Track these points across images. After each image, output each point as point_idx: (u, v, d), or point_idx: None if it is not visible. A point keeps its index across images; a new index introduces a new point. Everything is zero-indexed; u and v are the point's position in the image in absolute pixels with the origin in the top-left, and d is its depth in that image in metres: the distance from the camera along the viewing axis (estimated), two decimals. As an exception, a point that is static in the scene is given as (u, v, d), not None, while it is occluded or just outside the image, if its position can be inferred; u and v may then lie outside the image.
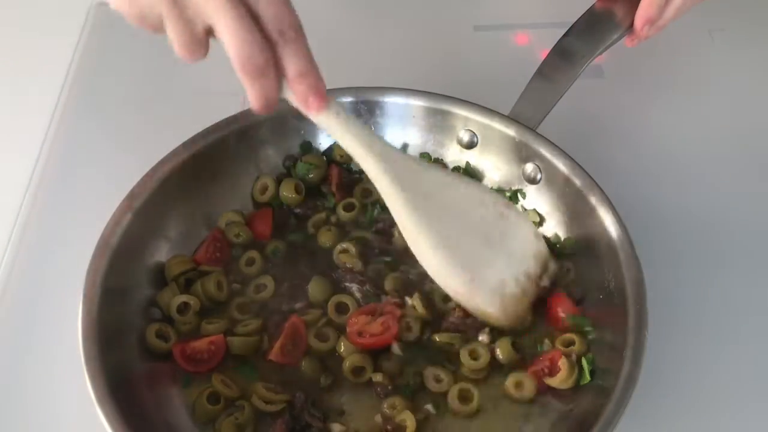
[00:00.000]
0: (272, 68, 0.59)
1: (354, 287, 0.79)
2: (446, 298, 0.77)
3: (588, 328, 0.75)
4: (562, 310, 0.78)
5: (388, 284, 0.79)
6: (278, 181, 0.87)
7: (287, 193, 0.85)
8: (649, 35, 0.81)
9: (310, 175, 0.86)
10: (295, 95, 0.62)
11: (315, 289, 0.79)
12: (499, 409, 0.73)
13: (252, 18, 0.57)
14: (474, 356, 0.75)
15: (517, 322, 0.76)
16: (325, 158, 0.88)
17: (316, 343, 0.75)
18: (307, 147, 0.88)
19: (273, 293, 0.79)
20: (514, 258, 0.75)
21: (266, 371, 0.75)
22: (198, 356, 0.74)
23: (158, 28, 0.60)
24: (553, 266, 0.79)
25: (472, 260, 0.73)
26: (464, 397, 0.73)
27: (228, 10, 0.56)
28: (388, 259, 0.82)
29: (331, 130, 0.67)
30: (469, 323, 0.76)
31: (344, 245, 0.82)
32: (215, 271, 0.80)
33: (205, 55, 0.61)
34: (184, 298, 0.77)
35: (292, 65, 0.60)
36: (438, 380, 0.74)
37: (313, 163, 0.87)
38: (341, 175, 0.87)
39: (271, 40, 0.59)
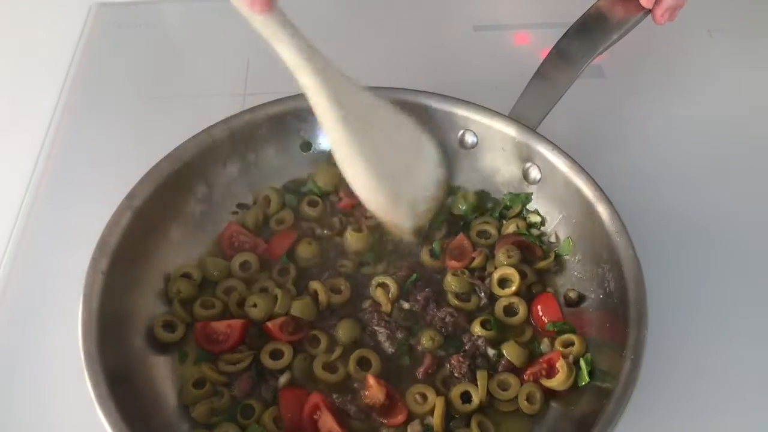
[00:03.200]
0: None
1: (383, 333, 0.78)
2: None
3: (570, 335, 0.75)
4: (545, 314, 0.78)
5: (426, 341, 0.77)
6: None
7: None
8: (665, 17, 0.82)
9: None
10: None
11: (343, 331, 0.78)
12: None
13: None
14: (503, 387, 0.74)
15: (415, 234, 0.83)
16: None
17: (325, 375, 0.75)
18: (307, 147, 0.88)
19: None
20: (424, 179, 0.81)
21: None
22: (214, 336, 0.76)
23: None
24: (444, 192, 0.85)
25: (396, 178, 0.77)
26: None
27: None
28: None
29: (274, 37, 0.66)
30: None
31: (382, 279, 0.81)
32: None
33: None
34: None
35: None
36: None
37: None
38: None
39: None
